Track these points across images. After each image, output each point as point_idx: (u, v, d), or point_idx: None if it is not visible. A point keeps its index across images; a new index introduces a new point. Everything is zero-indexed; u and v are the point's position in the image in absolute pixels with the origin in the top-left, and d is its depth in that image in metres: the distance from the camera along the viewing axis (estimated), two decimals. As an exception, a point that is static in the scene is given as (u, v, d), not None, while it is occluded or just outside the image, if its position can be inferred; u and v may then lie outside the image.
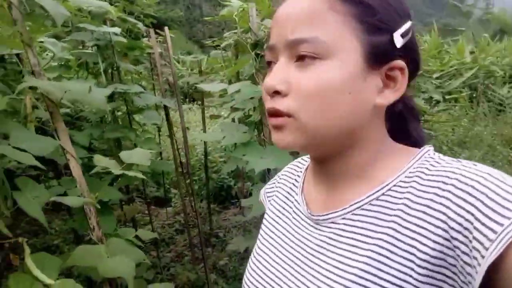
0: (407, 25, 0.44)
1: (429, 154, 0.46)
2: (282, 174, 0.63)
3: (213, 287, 2.15)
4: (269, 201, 0.62)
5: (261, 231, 0.58)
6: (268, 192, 0.64)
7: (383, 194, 0.44)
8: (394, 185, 0.44)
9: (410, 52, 0.45)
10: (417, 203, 0.41)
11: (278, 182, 0.62)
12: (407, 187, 0.43)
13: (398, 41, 0.43)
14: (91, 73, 2.34)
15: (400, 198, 0.43)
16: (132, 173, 0.91)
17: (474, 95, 3.66)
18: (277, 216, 0.56)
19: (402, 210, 0.42)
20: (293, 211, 0.54)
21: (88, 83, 0.90)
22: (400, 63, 0.43)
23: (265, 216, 0.59)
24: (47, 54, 2.46)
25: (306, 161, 0.60)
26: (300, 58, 0.43)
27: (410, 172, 0.44)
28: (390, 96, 0.44)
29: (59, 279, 0.66)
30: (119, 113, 2.40)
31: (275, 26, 0.45)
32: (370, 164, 0.47)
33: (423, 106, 2.35)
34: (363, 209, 0.45)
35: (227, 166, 1.65)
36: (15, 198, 0.67)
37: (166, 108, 2.31)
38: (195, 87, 3.26)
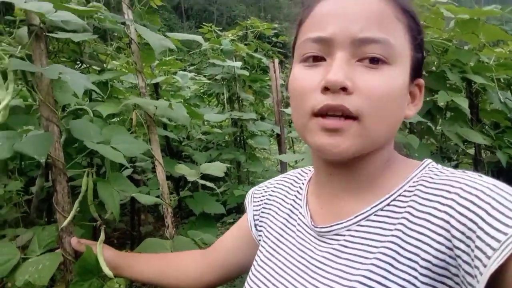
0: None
1: (432, 165, 0.46)
2: (277, 183, 0.62)
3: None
4: (260, 210, 0.62)
5: (262, 243, 0.58)
6: (256, 198, 0.64)
7: (388, 204, 0.44)
8: (399, 195, 0.44)
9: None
10: (421, 211, 0.41)
11: (272, 191, 0.61)
12: (410, 196, 0.43)
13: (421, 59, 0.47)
14: (220, 102, 2.68)
15: (404, 207, 0.43)
16: (202, 181, 1.02)
17: None
18: (282, 229, 0.56)
19: (406, 218, 0.41)
20: (298, 223, 0.54)
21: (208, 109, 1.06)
22: (422, 81, 0.48)
23: (266, 228, 0.59)
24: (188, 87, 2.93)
25: (306, 173, 0.59)
26: (371, 59, 0.41)
27: (413, 182, 0.45)
28: (413, 110, 0.48)
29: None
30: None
31: (333, 18, 0.42)
32: (380, 173, 0.47)
33: None
34: (368, 220, 0.45)
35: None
36: (98, 188, 0.81)
37: (278, 135, 2.44)
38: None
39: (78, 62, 1.34)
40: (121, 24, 1.18)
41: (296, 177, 0.61)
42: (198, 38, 1.09)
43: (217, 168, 1.09)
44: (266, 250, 0.55)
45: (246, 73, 2.35)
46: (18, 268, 0.72)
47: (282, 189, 0.60)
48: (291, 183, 0.60)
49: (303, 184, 0.58)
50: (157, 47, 1.00)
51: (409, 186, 0.44)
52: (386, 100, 0.41)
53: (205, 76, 2.80)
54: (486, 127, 1.74)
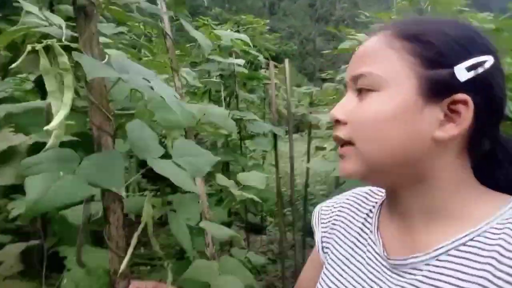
0: (478, 59, 0.43)
1: None
2: (344, 202, 0.60)
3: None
4: (328, 231, 0.59)
5: (327, 266, 0.56)
6: (324, 218, 0.61)
7: (471, 239, 0.42)
8: (484, 231, 0.42)
9: (483, 87, 0.43)
10: (510, 258, 0.38)
11: (340, 211, 0.59)
12: (499, 234, 0.41)
13: (462, 75, 0.42)
14: (213, 100, 2.56)
15: (492, 245, 0.40)
16: (249, 195, 0.94)
17: None
18: (349, 253, 0.54)
19: (492, 264, 0.39)
20: (367, 250, 0.52)
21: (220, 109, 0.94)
22: (462, 96, 0.42)
23: (331, 249, 0.57)
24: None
25: (378, 195, 0.57)
26: (359, 91, 0.47)
27: (502, 219, 0.42)
28: (451, 130, 0.43)
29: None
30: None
31: (349, 65, 0.51)
32: (449, 205, 0.45)
33: None
34: (448, 254, 0.43)
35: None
36: (169, 220, 0.66)
37: (275, 136, 2.37)
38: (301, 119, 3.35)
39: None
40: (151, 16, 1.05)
41: (367, 193, 0.58)
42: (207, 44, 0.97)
43: (258, 180, 1.01)
44: (332, 275, 0.54)
45: (245, 70, 2.25)
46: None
47: (350, 209, 0.58)
48: (361, 202, 0.58)
49: (373, 207, 0.55)
50: (206, 47, 0.90)
51: (497, 224, 0.42)
52: (372, 124, 0.45)
53: (195, 71, 2.66)
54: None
